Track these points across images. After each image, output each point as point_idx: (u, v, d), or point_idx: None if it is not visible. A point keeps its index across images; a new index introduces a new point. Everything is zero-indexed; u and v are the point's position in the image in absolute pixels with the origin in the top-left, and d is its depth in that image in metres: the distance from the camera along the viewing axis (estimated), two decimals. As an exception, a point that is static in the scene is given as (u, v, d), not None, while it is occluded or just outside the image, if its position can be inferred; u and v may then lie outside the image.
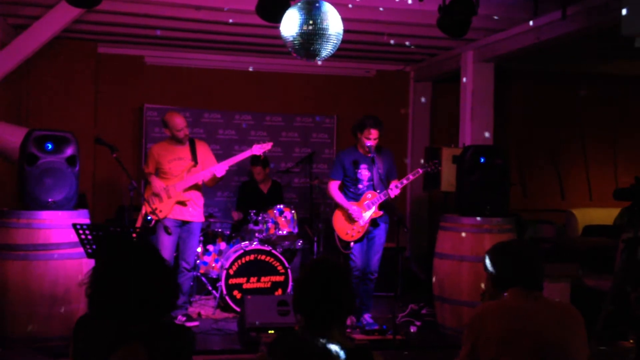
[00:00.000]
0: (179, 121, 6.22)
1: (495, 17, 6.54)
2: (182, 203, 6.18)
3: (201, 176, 6.23)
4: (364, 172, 6.22)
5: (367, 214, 6.15)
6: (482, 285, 3.13)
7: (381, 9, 6.40)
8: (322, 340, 2.29)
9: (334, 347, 2.25)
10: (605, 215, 8.62)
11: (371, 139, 6.07)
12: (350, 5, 6.13)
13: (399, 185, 6.10)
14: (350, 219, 6.18)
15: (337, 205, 6.29)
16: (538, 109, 9.60)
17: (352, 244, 6.20)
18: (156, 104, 8.51)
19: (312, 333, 2.33)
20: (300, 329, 2.38)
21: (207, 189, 6.69)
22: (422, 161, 7.43)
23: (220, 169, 6.19)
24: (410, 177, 6.20)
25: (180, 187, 6.16)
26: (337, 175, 6.30)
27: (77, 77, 8.30)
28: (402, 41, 7.77)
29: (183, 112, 7.01)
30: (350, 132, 6.34)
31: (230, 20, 6.82)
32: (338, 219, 6.27)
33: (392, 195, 6.04)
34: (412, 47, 7.63)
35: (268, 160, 7.81)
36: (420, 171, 6.18)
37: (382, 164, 6.20)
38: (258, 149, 6.33)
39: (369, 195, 6.18)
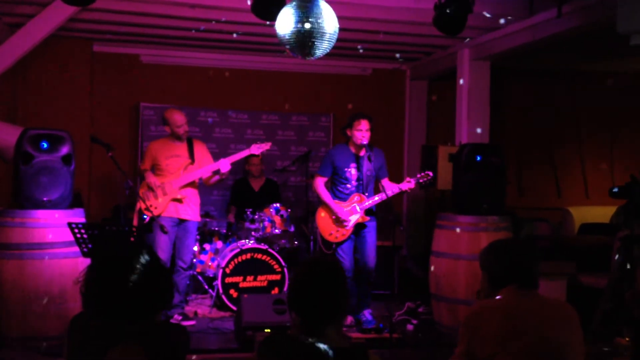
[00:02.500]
0: (178, 117, 6.21)
1: (488, 15, 6.52)
2: (177, 200, 6.16)
3: (199, 173, 6.21)
4: (352, 172, 6.13)
5: (354, 218, 6.08)
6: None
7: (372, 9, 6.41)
8: (312, 340, 2.28)
9: (323, 346, 2.24)
10: (602, 213, 8.62)
11: (362, 130, 5.98)
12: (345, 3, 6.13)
13: (389, 194, 5.99)
14: (336, 220, 6.09)
15: (322, 203, 6.19)
16: (534, 107, 9.60)
17: (334, 245, 6.13)
18: (152, 103, 8.50)
19: (306, 332, 2.33)
20: (295, 328, 2.37)
21: (204, 188, 6.67)
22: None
23: (225, 164, 6.15)
24: (403, 187, 6.11)
25: (177, 184, 6.15)
26: (326, 172, 6.19)
27: (73, 75, 8.28)
28: (399, 40, 7.77)
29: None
30: (341, 133, 6.31)
31: (224, 19, 6.81)
32: (322, 218, 6.16)
33: (389, 194, 5.99)
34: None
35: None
36: (412, 182, 6.11)
37: (373, 163, 6.11)
38: (256, 149, 6.32)
39: (356, 198, 6.11)
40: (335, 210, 6.06)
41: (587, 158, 9.90)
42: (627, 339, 5.61)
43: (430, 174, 6.24)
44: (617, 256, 5.84)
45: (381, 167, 6.22)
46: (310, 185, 7.51)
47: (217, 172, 6.21)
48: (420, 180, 6.16)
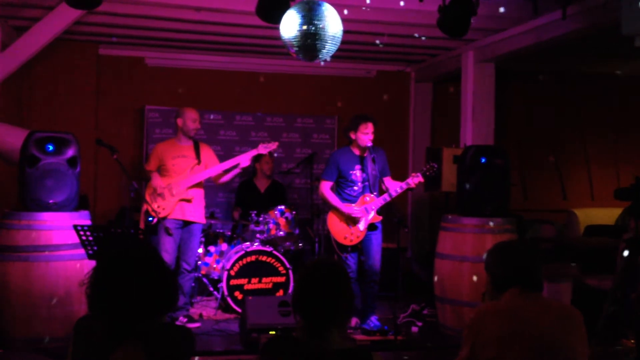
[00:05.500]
0: (194, 113, 6.29)
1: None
2: (186, 200, 6.18)
3: (208, 173, 6.24)
4: (358, 174, 6.12)
5: (368, 218, 6.06)
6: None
7: (372, 9, 6.39)
8: (317, 342, 2.28)
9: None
10: (607, 215, 8.61)
11: (369, 132, 5.99)
12: (348, 7, 6.13)
13: (393, 194, 6.01)
14: (349, 222, 6.07)
15: (331, 207, 6.15)
16: (539, 109, 9.60)
17: (349, 248, 6.09)
18: (157, 105, 8.52)
19: (310, 334, 2.33)
20: (299, 331, 2.38)
21: (209, 190, 6.68)
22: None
23: (245, 159, 6.22)
24: (410, 182, 6.04)
25: (184, 184, 6.16)
26: (331, 176, 6.15)
27: (78, 78, 8.32)
28: (402, 42, 7.77)
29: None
30: (343, 134, 6.31)
31: (229, 21, 6.83)
32: (334, 222, 6.12)
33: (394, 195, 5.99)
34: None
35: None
36: (419, 175, 6.11)
37: (377, 164, 6.09)
38: (263, 149, 6.35)
39: (367, 199, 6.09)
40: (347, 211, 6.03)
41: (592, 160, 9.88)
42: (632, 341, 5.59)
43: (435, 165, 6.22)
44: (622, 258, 5.82)
45: (384, 167, 6.22)
46: (316, 188, 7.48)
47: (234, 167, 6.25)
48: (427, 173, 6.15)
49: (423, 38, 7.14)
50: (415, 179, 6.06)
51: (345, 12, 5.76)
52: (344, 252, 6.10)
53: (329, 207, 6.21)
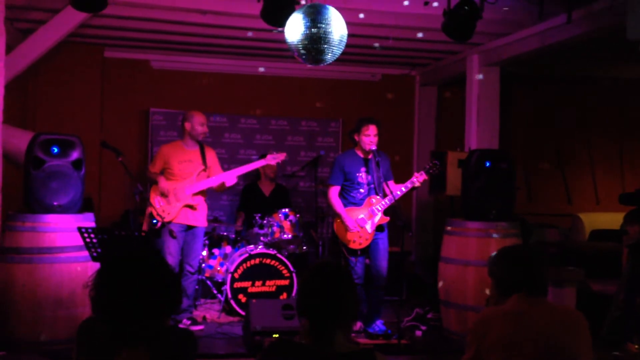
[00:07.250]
0: (202, 117, 6.31)
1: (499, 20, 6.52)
2: (190, 207, 6.18)
3: (210, 183, 6.23)
4: (364, 176, 6.12)
5: (375, 220, 6.06)
6: (487, 291, 3.12)
7: (387, 11, 6.40)
8: (321, 345, 2.28)
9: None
10: (612, 219, 8.59)
11: (370, 135, 5.98)
12: (357, 15, 6.14)
13: (397, 195, 6.00)
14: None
15: (339, 215, 6.13)
16: (544, 113, 9.59)
17: (359, 252, 6.09)
18: (162, 108, 8.54)
19: (314, 337, 2.33)
20: (302, 335, 2.37)
21: (212, 193, 6.69)
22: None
23: (231, 178, 6.22)
24: (415, 181, 6.06)
25: (190, 190, 6.17)
26: (337, 181, 6.14)
27: (83, 81, 8.34)
28: (407, 45, 7.77)
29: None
30: (348, 137, 6.32)
31: (234, 25, 6.84)
32: (342, 228, 6.10)
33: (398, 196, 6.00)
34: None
35: None
36: (423, 174, 6.10)
37: (382, 167, 6.08)
38: (272, 159, 6.35)
39: (373, 201, 6.09)
40: (346, 222, 6.02)
41: (597, 164, 9.86)
42: (636, 346, 5.58)
43: (438, 163, 6.21)
44: (626, 263, 5.81)
45: (387, 171, 6.22)
46: (324, 192, 7.42)
47: (222, 184, 6.27)
48: (430, 171, 6.14)
49: (421, 36, 7.10)
50: (419, 178, 6.06)
51: (351, 14, 5.76)
52: (353, 257, 6.08)
53: (335, 212, 6.20)
